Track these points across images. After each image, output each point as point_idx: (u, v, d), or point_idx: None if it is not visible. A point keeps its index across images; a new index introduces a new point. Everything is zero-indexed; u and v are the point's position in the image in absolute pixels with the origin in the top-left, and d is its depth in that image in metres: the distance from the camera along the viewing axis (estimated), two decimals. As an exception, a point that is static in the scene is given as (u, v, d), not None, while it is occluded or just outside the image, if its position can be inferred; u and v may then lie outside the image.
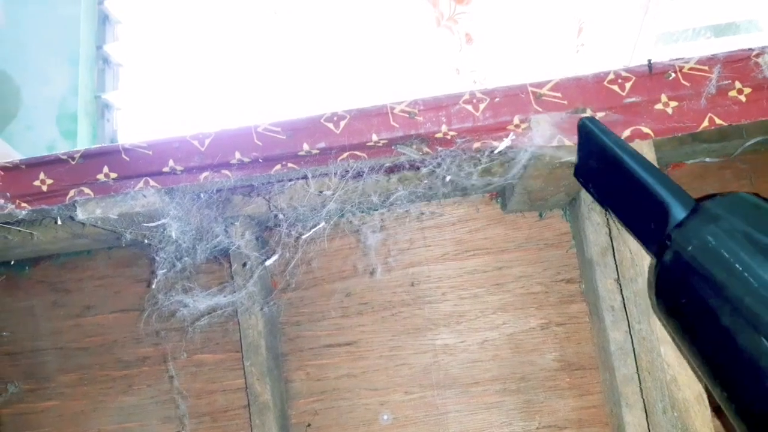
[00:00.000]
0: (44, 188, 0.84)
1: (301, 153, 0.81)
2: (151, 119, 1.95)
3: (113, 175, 0.83)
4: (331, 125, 0.81)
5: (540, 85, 0.79)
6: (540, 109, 0.79)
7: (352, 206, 0.92)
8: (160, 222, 0.82)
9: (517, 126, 0.79)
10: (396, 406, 1.08)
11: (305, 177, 0.84)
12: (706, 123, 0.77)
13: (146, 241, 0.88)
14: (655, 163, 0.78)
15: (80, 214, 0.83)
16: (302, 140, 0.81)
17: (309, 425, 1.09)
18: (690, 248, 0.63)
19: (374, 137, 0.80)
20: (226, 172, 0.83)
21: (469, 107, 0.79)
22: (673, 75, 0.78)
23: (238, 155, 0.81)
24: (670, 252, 0.66)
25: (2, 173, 0.86)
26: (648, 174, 0.70)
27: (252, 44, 1.90)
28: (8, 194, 0.85)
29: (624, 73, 0.78)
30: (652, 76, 0.78)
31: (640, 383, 0.89)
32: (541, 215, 1.10)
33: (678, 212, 0.67)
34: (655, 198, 0.68)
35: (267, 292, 1.07)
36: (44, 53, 1.96)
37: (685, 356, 0.73)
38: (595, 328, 1.03)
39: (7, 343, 1.18)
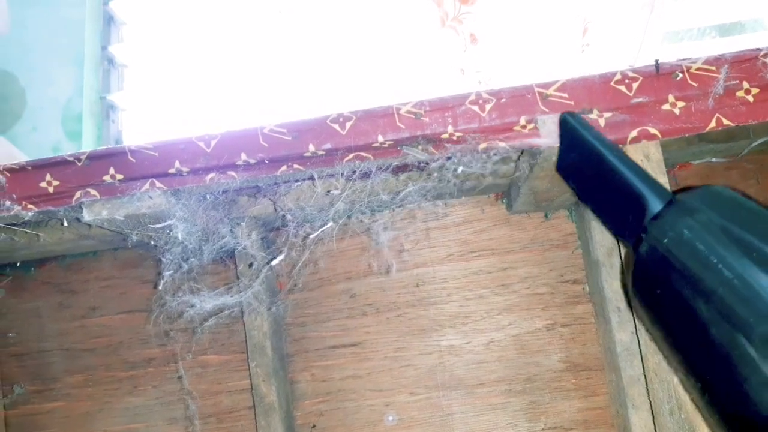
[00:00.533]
0: (50, 190, 0.84)
1: (306, 154, 0.81)
2: (156, 120, 1.95)
3: (119, 176, 0.83)
4: (337, 126, 0.81)
5: (546, 85, 0.79)
6: (546, 110, 0.78)
7: (359, 207, 0.92)
8: (166, 223, 0.82)
9: (523, 127, 0.79)
10: (401, 407, 1.08)
11: (311, 178, 0.84)
12: (713, 124, 0.77)
13: (152, 242, 0.88)
14: (663, 164, 0.78)
15: (86, 216, 0.83)
16: (308, 141, 0.81)
17: (314, 426, 1.09)
18: (665, 240, 0.64)
19: (380, 138, 0.80)
20: (232, 173, 0.83)
21: (476, 108, 0.79)
22: (681, 75, 0.77)
23: (243, 156, 0.81)
24: (646, 244, 0.67)
25: (9, 175, 0.86)
26: (626, 167, 0.71)
27: (256, 44, 1.89)
28: (14, 196, 0.85)
29: (631, 74, 0.78)
30: (660, 77, 0.78)
31: (646, 384, 0.89)
32: (546, 216, 1.09)
33: (655, 205, 0.68)
34: (633, 191, 0.69)
35: (272, 293, 1.07)
36: (49, 54, 1.97)
37: (660, 349, 0.74)
38: (601, 329, 1.02)
39: (13, 345, 1.18)
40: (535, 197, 0.99)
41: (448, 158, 0.82)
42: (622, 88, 0.78)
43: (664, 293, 0.64)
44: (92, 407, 1.14)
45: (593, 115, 0.77)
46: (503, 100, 0.79)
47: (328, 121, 0.81)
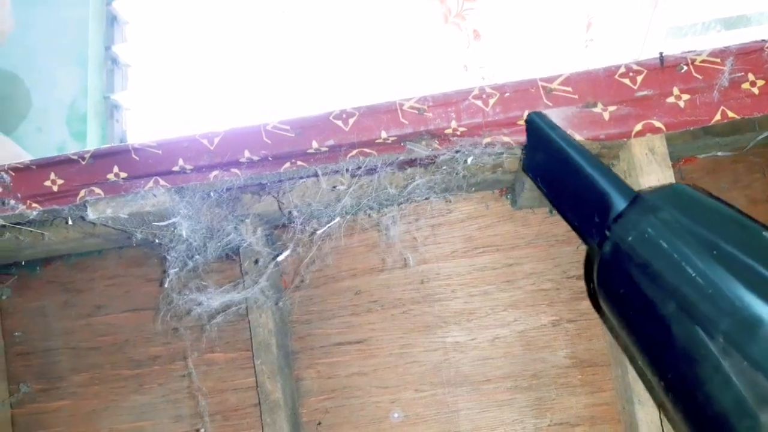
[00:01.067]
0: (55, 188, 0.85)
1: (310, 151, 0.81)
2: (160, 119, 1.95)
3: (123, 174, 0.83)
4: (340, 123, 0.81)
5: (550, 79, 0.79)
6: (550, 104, 0.78)
7: (365, 202, 0.92)
8: (170, 221, 0.82)
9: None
10: (407, 404, 1.08)
11: (316, 174, 0.84)
12: (718, 116, 0.76)
13: (157, 240, 0.88)
14: (668, 158, 0.78)
15: (91, 214, 0.83)
16: (311, 138, 0.81)
17: (320, 423, 1.09)
18: (629, 239, 0.64)
19: (383, 134, 0.80)
20: (236, 170, 0.83)
21: (479, 103, 0.79)
22: (685, 68, 0.77)
23: (247, 154, 0.81)
24: (610, 243, 0.67)
25: (13, 174, 0.86)
26: (591, 166, 0.71)
27: (259, 43, 1.89)
28: (19, 195, 0.86)
29: (635, 67, 0.77)
30: (664, 69, 0.77)
31: (653, 380, 0.88)
32: (551, 211, 1.09)
33: (619, 203, 0.68)
34: (598, 190, 0.70)
35: (278, 291, 1.07)
36: (53, 55, 1.97)
37: (628, 349, 0.74)
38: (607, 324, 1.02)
39: (19, 344, 1.18)
40: (540, 192, 0.98)
41: (457, 152, 0.82)
42: (627, 81, 0.77)
43: (627, 292, 0.65)
44: (98, 405, 1.14)
45: (597, 109, 0.77)
46: (507, 94, 0.79)
47: (331, 118, 0.81)
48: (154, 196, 0.82)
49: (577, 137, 0.77)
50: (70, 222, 0.90)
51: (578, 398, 1.04)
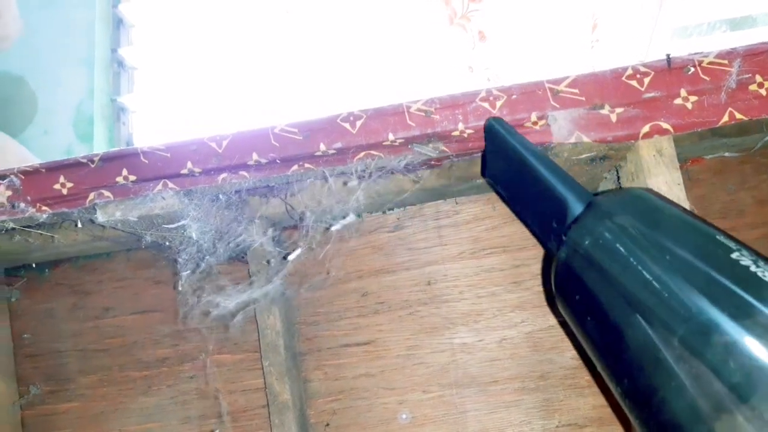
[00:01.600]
0: (64, 191, 0.85)
1: (317, 153, 0.81)
2: (166, 121, 1.96)
3: (132, 177, 0.84)
4: (347, 125, 0.81)
5: (557, 81, 0.79)
6: (557, 106, 0.78)
7: (370, 204, 0.92)
8: (179, 223, 0.82)
9: (534, 123, 0.78)
10: (414, 405, 1.08)
11: (324, 177, 0.84)
12: (726, 118, 0.76)
13: (167, 243, 0.88)
14: (676, 159, 0.78)
15: (100, 217, 0.84)
16: (319, 140, 0.81)
17: (328, 425, 1.09)
18: (585, 243, 0.64)
19: (391, 136, 0.80)
20: (244, 173, 0.83)
21: (486, 105, 0.79)
22: (693, 69, 0.77)
23: (255, 156, 0.82)
24: (566, 248, 0.67)
25: (23, 177, 0.87)
26: (549, 171, 0.71)
27: (264, 45, 1.90)
28: (29, 198, 0.86)
29: (642, 68, 0.78)
30: (671, 71, 0.77)
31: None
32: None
33: (575, 208, 0.68)
34: (555, 195, 0.70)
35: (285, 292, 1.07)
36: (59, 58, 1.99)
37: (584, 354, 0.74)
38: (615, 325, 1.02)
39: (28, 346, 1.19)
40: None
41: (464, 154, 0.82)
42: (634, 83, 0.77)
43: (582, 298, 0.65)
44: (107, 407, 1.15)
45: (605, 110, 0.77)
46: (514, 96, 0.79)
47: (338, 120, 0.82)
48: (163, 198, 0.83)
49: (585, 139, 0.77)
50: (79, 225, 0.90)
51: (586, 399, 1.04)
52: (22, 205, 0.86)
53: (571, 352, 1.05)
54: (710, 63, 0.77)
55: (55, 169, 0.86)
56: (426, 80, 1.76)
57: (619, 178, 0.89)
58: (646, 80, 0.77)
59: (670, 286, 0.55)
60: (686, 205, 0.76)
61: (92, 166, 0.85)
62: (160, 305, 1.15)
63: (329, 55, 1.88)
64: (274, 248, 0.97)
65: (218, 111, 1.89)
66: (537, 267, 1.08)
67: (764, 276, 0.52)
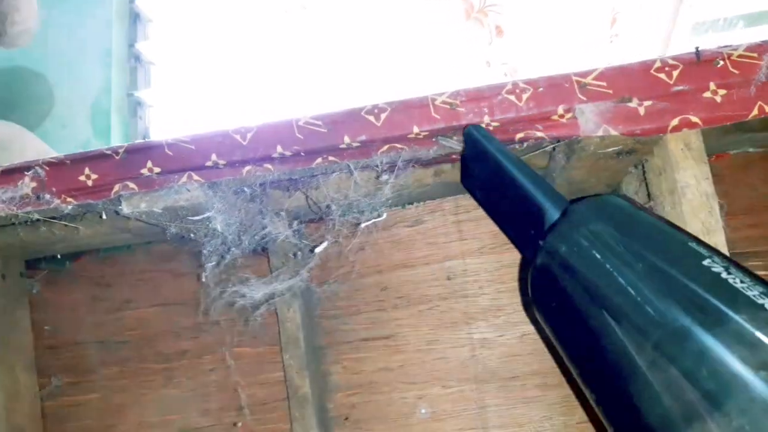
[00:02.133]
0: (89, 183, 0.85)
1: (342, 146, 0.81)
2: (183, 116, 1.97)
3: (157, 169, 0.84)
4: (371, 118, 0.81)
5: (584, 74, 0.78)
6: (584, 99, 0.77)
7: (392, 198, 0.92)
8: (204, 215, 0.83)
9: (561, 116, 0.78)
10: (434, 400, 1.08)
11: (348, 169, 0.84)
12: (755, 111, 0.75)
13: (192, 235, 0.89)
14: (704, 153, 0.77)
15: (125, 209, 0.84)
16: (343, 133, 0.81)
17: (347, 418, 1.09)
18: (561, 250, 0.64)
19: (415, 129, 0.80)
20: (268, 165, 0.83)
21: (512, 97, 0.79)
22: (722, 62, 0.76)
23: (279, 149, 0.82)
24: (542, 254, 0.67)
25: (48, 169, 0.87)
26: (526, 178, 0.72)
27: (282, 39, 1.90)
28: (54, 189, 0.86)
29: (671, 61, 0.77)
30: (700, 64, 0.76)
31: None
32: (579, 207, 1.08)
33: (552, 214, 0.68)
34: (533, 201, 0.70)
35: (306, 285, 1.07)
36: (77, 53, 2.00)
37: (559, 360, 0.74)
38: (637, 321, 1.01)
39: (49, 337, 1.20)
40: (570, 188, 0.98)
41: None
42: (662, 76, 0.77)
43: (558, 304, 0.65)
44: (127, 399, 1.16)
45: (633, 104, 0.76)
46: (540, 89, 0.79)
47: (362, 113, 0.81)
48: (188, 190, 0.83)
49: (613, 132, 0.76)
50: (104, 216, 0.90)
51: (607, 395, 1.03)
52: (48, 196, 0.86)
53: (593, 348, 1.05)
54: (740, 56, 0.76)
55: (80, 161, 0.86)
56: (443, 75, 1.76)
57: (644, 172, 0.88)
58: (675, 73, 0.76)
59: (643, 294, 0.55)
60: (715, 200, 0.75)
61: (117, 158, 0.85)
62: (180, 298, 1.15)
63: (344, 49, 1.88)
64: (300, 241, 0.97)
65: (235, 105, 1.90)
66: (559, 262, 1.07)
67: (735, 283, 0.52)
